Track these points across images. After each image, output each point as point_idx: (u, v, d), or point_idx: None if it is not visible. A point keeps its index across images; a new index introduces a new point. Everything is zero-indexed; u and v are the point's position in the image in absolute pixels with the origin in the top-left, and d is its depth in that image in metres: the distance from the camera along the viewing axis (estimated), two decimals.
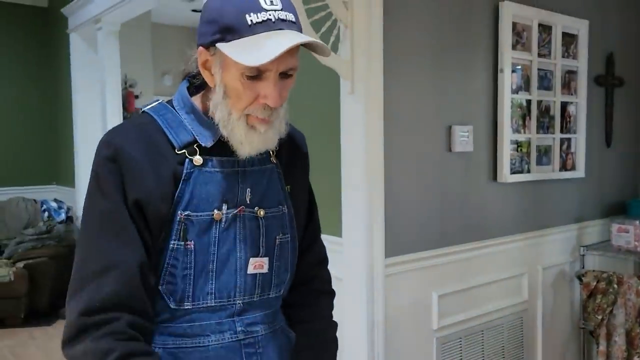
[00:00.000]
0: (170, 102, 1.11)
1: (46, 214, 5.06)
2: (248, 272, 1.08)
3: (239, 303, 1.08)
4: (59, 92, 5.49)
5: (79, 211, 5.16)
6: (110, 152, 1.01)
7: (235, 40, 0.94)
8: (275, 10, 0.95)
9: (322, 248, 1.30)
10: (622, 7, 3.19)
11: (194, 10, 5.90)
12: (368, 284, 2.08)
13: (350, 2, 2.02)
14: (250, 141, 1.02)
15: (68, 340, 0.96)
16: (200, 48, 1.01)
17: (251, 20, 0.93)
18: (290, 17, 0.97)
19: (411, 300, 2.25)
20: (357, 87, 2.06)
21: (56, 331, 4.40)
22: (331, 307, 1.29)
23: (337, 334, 1.27)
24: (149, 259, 1.01)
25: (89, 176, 1.06)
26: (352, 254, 2.12)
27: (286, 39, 0.93)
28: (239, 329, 1.09)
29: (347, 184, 2.14)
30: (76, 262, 1.00)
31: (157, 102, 1.11)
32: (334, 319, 1.28)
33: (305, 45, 0.97)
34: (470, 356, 2.48)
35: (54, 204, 5.11)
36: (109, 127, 4.53)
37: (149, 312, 1.00)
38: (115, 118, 4.64)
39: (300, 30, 0.99)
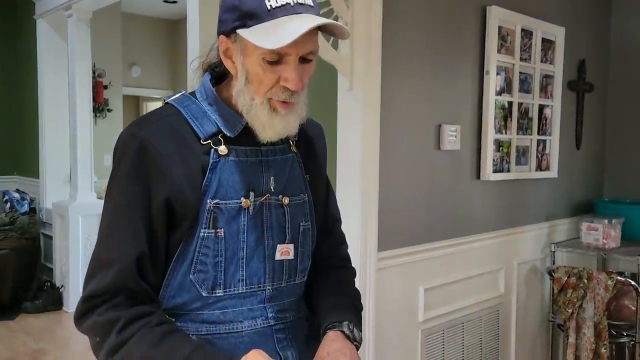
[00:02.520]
0: (193, 93, 1.13)
1: (8, 204, 4.89)
2: (276, 258, 1.11)
3: (268, 289, 1.11)
4: (23, 79, 5.31)
5: (42, 202, 5.02)
6: (137, 146, 1.02)
7: (255, 26, 0.96)
8: None
9: (342, 233, 1.34)
10: (594, 16, 3.35)
11: (166, 1, 5.81)
12: (361, 278, 2.13)
13: (351, 0, 2.06)
14: (273, 125, 1.04)
15: (77, 318, 1.04)
16: (221, 37, 1.03)
17: (270, 5, 0.96)
18: (309, 1, 0.99)
19: (399, 293, 2.31)
20: (356, 84, 2.10)
21: (19, 325, 4.27)
22: (352, 280, 1.31)
23: None
24: (156, 252, 1.04)
25: (112, 162, 1.08)
26: None
27: (305, 22, 0.95)
28: (270, 315, 1.12)
29: (342, 179, 2.18)
30: (95, 245, 1.07)
31: (180, 94, 1.13)
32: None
33: (324, 29, 0.99)
34: (452, 347, 2.57)
35: (16, 195, 4.95)
36: (78, 117, 4.49)
37: (147, 290, 1.04)
38: (85, 108, 4.54)
39: (319, 14, 1.01)
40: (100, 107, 5.55)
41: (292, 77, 0.99)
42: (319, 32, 1.03)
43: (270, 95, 1.02)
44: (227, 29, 1.01)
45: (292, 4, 0.96)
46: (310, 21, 0.95)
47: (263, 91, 1.01)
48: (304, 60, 1.01)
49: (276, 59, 0.98)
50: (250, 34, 0.96)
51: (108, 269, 1.01)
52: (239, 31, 0.98)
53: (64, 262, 4.59)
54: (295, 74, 0.99)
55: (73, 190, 4.58)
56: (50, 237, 4.85)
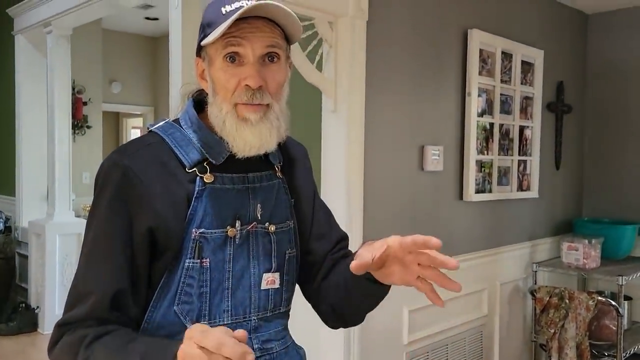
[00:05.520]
0: (177, 120, 1.11)
1: None
2: (261, 287, 1.09)
3: (254, 319, 1.08)
4: (0, 95, 5.22)
5: (18, 221, 4.91)
6: (119, 175, 1.00)
7: (212, 32, 0.98)
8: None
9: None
10: (572, 40, 3.42)
11: (147, 18, 5.79)
12: None
13: (335, 23, 2.07)
14: (242, 135, 1.01)
15: (50, 346, 1.02)
16: (197, 59, 1.04)
17: (225, 10, 0.97)
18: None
19: (384, 315, 2.30)
20: (340, 105, 2.10)
21: None
22: None
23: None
24: (137, 283, 1.02)
25: (93, 191, 1.05)
26: None
27: (245, 7, 0.95)
28: (255, 346, 1.09)
29: (327, 200, 2.15)
30: (74, 276, 1.04)
31: (164, 122, 1.11)
32: None
33: (280, 29, 1.00)
34: None
35: None
36: (57, 134, 4.42)
37: (124, 321, 1.02)
38: (64, 124, 4.47)
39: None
40: (79, 123, 5.48)
41: (249, 73, 0.98)
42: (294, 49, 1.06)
43: (234, 99, 1.00)
44: (197, 48, 1.03)
45: (245, 5, 0.96)
46: (249, 4, 0.95)
47: (228, 96, 1.00)
48: (268, 61, 1.00)
49: (233, 56, 0.98)
50: (205, 40, 0.98)
51: (85, 302, 0.99)
52: (202, 43, 1.00)
53: (40, 282, 4.48)
54: (253, 70, 0.98)
55: (50, 209, 4.48)
56: (26, 257, 4.73)
